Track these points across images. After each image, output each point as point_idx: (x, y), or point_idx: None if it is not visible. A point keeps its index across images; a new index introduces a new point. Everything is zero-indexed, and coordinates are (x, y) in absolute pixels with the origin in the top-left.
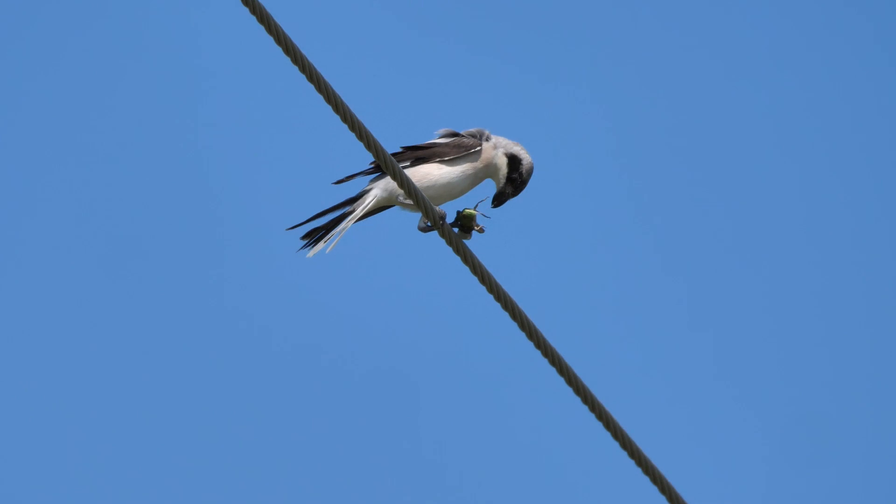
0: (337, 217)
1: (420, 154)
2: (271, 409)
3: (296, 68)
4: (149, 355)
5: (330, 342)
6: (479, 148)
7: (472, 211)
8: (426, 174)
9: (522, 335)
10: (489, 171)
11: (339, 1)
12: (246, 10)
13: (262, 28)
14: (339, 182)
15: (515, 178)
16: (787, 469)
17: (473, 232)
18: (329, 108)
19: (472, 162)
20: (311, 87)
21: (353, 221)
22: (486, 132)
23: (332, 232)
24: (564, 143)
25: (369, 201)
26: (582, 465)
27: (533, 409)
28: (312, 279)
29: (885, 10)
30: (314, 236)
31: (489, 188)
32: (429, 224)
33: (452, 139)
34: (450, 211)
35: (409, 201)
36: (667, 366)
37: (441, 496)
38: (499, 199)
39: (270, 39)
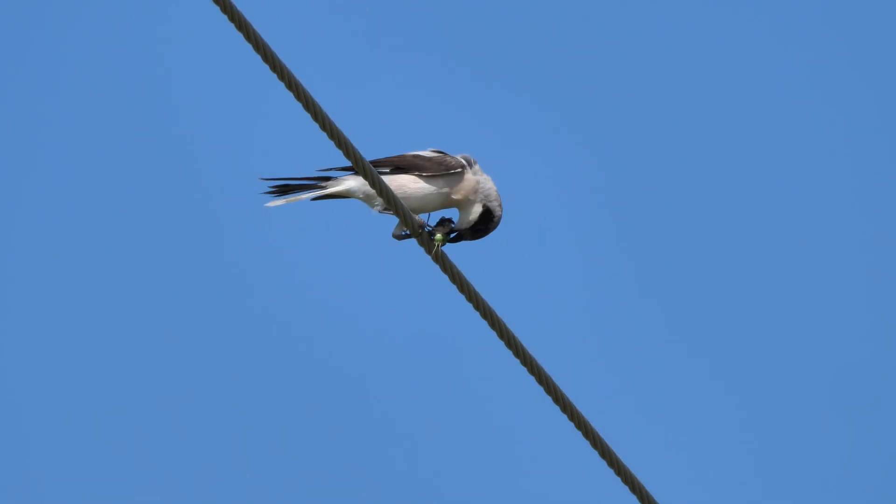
0: (307, 185)
1: (401, 164)
2: (251, 407)
3: (275, 76)
4: (136, 349)
5: (307, 343)
6: (459, 170)
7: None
8: (402, 185)
9: (501, 343)
10: (461, 203)
11: (322, 14)
12: (225, 17)
13: (240, 35)
14: (324, 171)
15: (480, 230)
16: (762, 468)
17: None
18: (308, 115)
19: (448, 183)
20: (290, 94)
21: (317, 194)
22: (474, 161)
23: (296, 195)
24: (540, 153)
25: (340, 187)
26: (558, 469)
27: (511, 415)
28: (293, 279)
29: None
30: (281, 191)
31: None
32: (405, 232)
33: (437, 155)
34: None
35: (388, 210)
36: (643, 370)
37: (416, 497)
38: (456, 237)
39: (249, 46)
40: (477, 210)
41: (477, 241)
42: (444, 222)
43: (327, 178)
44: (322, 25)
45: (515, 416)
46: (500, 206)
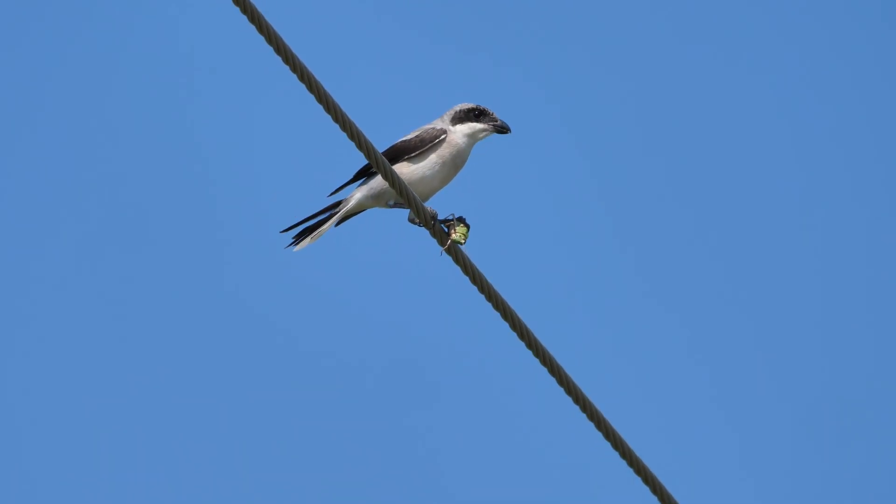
0: (323, 218)
1: (389, 155)
2: (263, 405)
3: (287, 68)
4: (141, 352)
5: (317, 338)
6: (443, 137)
7: (460, 232)
8: (398, 173)
9: (514, 335)
10: (464, 152)
11: (330, 3)
12: (237, 9)
13: (253, 28)
14: (333, 193)
15: (479, 114)
16: (782, 468)
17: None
18: (321, 107)
19: (439, 151)
20: (302, 86)
21: (335, 221)
22: (439, 123)
23: (318, 231)
24: (535, 143)
25: (352, 204)
26: (573, 465)
27: (523, 406)
28: (302, 276)
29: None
30: (301, 234)
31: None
32: (418, 223)
33: (416, 133)
34: (441, 205)
35: (400, 203)
36: (659, 365)
37: (430, 492)
38: (504, 130)
39: (261, 38)
40: (464, 130)
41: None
42: (461, 220)
43: (338, 203)
44: (324, 13)
45: (528, 407)
46: (454, 107)
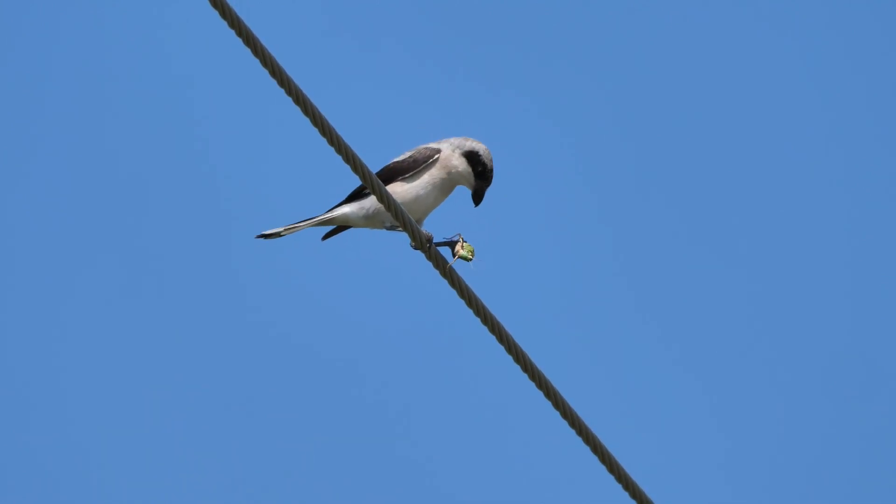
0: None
1: (383, 176)
2: (259, 412)
3: (282, 91)
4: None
5: (316, 352)
6: (436, 157)
7: (467, 249)
8: (392, 193)
9: (510, 358)
10: (454, 178)
11: (315, 17)
12: (232, 32)
13: (248, 50)
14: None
15: (481, 172)
16: (758, 472)
17: (460, 260)
18: (316, 130)
19: (431, 171)
20: (297, 109)
21: (314, 223)
22: (436, 144)
23: (293, 227)
24: (526, 155)
25: (336, 214)
26: (561, 477)
27: (518, 427)
28: (299, 291)
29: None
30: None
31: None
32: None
33: (410, 154)
34: (437, 228)
35: (396, 227)
36: (651, 381)
37: (419, 500)
38: (477, 198)
39: (257, 61)
40: (462, 161)
41: (491, 184)
42: (461, 241)
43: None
44: (314, 28)
45: (523, 428)
46: (475, 141)
